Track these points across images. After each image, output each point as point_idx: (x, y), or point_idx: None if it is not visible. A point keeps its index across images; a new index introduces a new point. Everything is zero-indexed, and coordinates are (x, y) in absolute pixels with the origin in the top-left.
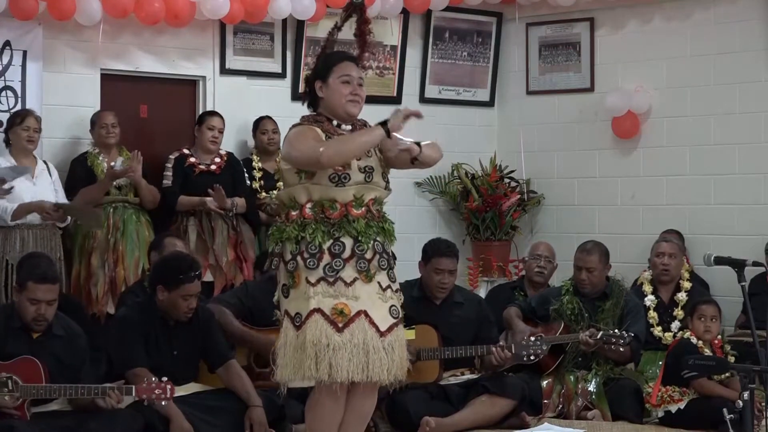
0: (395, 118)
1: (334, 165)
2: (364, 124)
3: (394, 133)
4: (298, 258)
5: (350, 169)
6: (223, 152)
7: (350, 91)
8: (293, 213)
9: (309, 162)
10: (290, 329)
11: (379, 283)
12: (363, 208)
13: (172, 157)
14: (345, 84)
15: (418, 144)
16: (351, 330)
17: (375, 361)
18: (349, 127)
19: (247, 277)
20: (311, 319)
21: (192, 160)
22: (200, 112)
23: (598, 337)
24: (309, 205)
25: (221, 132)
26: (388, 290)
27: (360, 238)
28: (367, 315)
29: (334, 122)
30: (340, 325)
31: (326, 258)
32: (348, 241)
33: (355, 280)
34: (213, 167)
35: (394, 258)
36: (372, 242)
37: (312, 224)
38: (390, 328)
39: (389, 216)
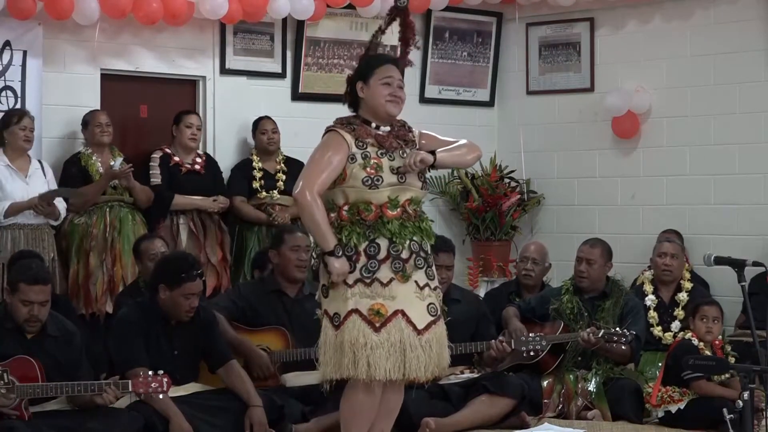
0: (331, 263)
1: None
2: (403, 125)
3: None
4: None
5: (383, 171)
6: (201, 152)
7: (390, 92)
8: (332, 215)
9: (298, 183)
10: (329, 328)
11: (416, 282)
12: (398, 209)
13: (156, 155)
14: (385, 85)
15: (433, 152)
16: (388, 329)
17: (412, 359)
18: (387, 128)
19: (228, 277)
20: (349, 320)
21: (176, 159)
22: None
23: (600, 335)
24: (346, 208)
25: (199, 129)
26: (426, 288)
27: (395, 239)
28: (404, 314)
29: (373, 124)
30: (377, 325)
31: (362, 259)
32: (383, 243)
33: (391, 280)
34: (197, 167)
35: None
36: (408, 242)
37: (348, 226)
38: (428, 326)
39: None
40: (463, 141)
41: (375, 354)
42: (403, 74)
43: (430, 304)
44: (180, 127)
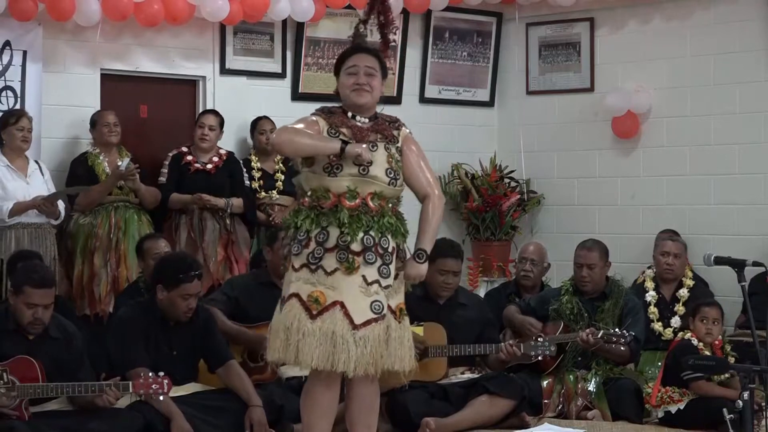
0: (352, 149)
1: (282, 152)
2: (393, 121)
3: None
4: (292, 243)
5: (343, 160)
6: (223, 151)
7: (353, 81)
8: (303, 200)
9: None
10: (277, 311)
11: (364, 276)
12: (356, 201)
13: (170, 154)
14: (350, 75)
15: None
16: (323, 318)
17: (341, 352)
18: (366, 120)
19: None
20: (288, 303)
21: (188, 158)
22: (200, 112)
23: (599, 336)
24: (309, 193)
25: (212, 129)
26: (375, 285)
27: (343, 230)
28: (343, 306)
29: (349, 114)
30: (314, 312)
31: (312, 245)
32: (334, 231)
33: (335, 270)
34: (209, 166)
35: (397, 254)
36: (362, 235)
37: (305, 211)
38: (367, 323)
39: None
40: (433, 197)
41: (305, 341)
42: (382, 62)
43: (374, 301)
44: (196, 126)
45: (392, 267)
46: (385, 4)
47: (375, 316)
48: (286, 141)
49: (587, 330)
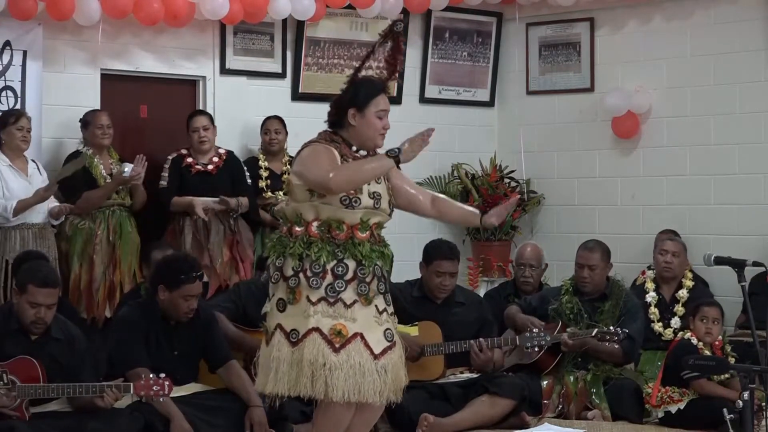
0: (408, 152)
1: (342, 191)
2: (374, 152)
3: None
4: (301, 275)
5: (361, 193)
6: (222, 151)
7: (383, 126)
8: (297, 229)
9: (318, 185)
10: (285, 345)
11: (376, 306)
12: (367, 232)
13: (170, 157)
14: (381, 119)
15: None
16: (347, 351)
17: (368, 383)
18: (364, 152)
19: (243, 277)
20: (309, 338)
21: (189, 160)
22: (188, 116)
23: (593, 334)
24: (316, 224)
25: (207, 129)
26: (384, 313)
27: (363, 262)
28: (362, 338)
29: (353, 147)
30: (337, 345)
31: (329, 278)
32: (351, 264)
33: (354, 302)
34: (210, 167)
35: (389, 281)
36: (373, 266)
37: (318, 243)
38: (384, 351)
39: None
40: (438, 194)
41: (333, 375)
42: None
43: (387, 329)
44: (189, 132)
45: (390, 296)
46: (400, 44)
47: (389, 343)
48: (345, 180)
49: (566, 332)
